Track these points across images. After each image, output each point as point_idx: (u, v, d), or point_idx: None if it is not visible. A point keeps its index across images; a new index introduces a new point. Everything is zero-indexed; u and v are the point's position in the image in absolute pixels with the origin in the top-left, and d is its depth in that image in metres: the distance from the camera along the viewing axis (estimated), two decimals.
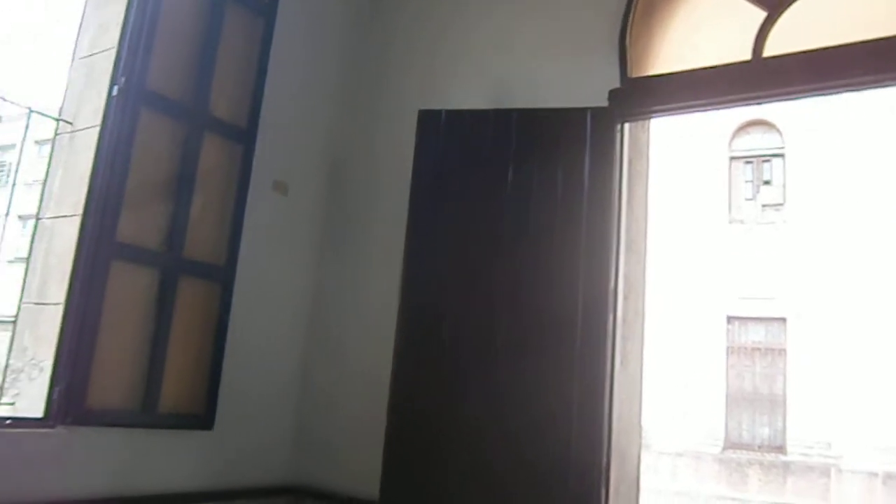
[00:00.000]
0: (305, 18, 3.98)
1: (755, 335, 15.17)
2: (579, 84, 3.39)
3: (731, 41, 3.15)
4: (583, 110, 3.19)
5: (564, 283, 3.06)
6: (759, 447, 14.59)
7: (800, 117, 14.91)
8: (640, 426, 3.39)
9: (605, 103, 3.27)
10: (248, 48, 3.59)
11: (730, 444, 14.79)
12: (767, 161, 15.79)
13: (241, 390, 3.46)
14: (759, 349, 15.09)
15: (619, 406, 3.11)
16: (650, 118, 3.41)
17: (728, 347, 15.23)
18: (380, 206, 3.89)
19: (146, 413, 3.05)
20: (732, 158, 16.07)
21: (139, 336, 3.08)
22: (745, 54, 3.07)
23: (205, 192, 3.33)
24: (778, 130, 15.55)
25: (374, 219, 3.90)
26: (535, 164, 3.21)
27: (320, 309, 3.96)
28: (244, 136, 3.52)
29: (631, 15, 3.32)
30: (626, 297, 3.22)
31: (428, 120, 3.42)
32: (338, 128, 4.15)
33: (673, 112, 3.33)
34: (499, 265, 3.20)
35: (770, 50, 3.03)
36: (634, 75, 3.32)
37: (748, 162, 16.09)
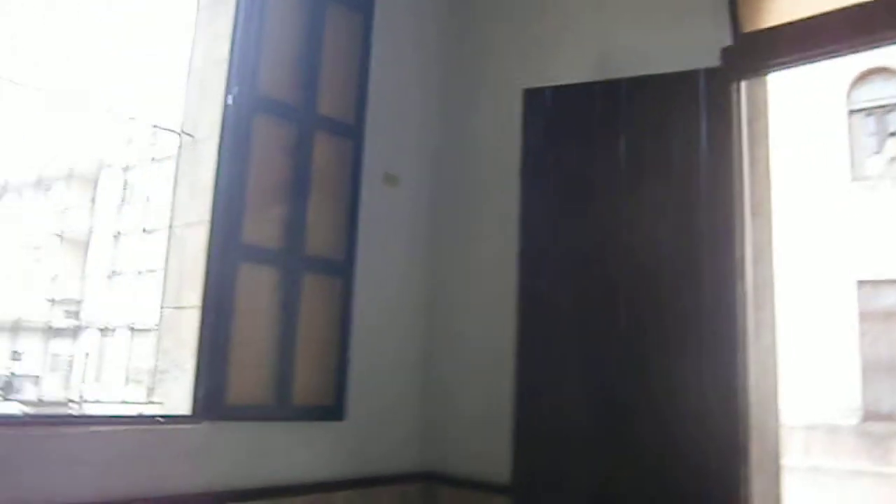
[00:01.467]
0: (402, 10, 4.01)
1: (889, 298, 14.18)
2: (688, 46, 3.24)
3: None
4: (695, 72, 3.05)
5: (687, 253, 2.95)
6: None
7: None
8: (777, 400, 3.23)
9: (717, 63, 3.12)
10: (350, 45, 3.65)
11: (868, 416, 13.92)
12: (892, 111, 14.68)
13: (368, 381, 3.55)
14: (895, 313, 14.10)
15: (754, 379, 2.97)
16: (768, 73, 3.22)
17: (861, 313, 14.31)
18: (490, 189, 3.87)
19: (281, 407, 3.18)
20: (851, 112, 15.04)
21: (269, 333, 3.21)
22: None
23: (320, 189, 3.42)
24: None
25: (485, 203, 3.90)
26: (648, 133, 3.11)
27: (438, 295, 4.00)
28: (353, 131, 3.59)
29: None
30: (754, 264, 3.07)
31: (533, 99, 3.37)
32: (443, 115, 4.17)
33: (793, 64, 3.12)
34: (616, 241, 3.13)
35: None
36: (747, 30, 3.14)
37: (870, 114, 15.01)
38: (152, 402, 3.15)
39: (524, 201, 3.29)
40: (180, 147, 3.39)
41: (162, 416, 2.93)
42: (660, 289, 3.00)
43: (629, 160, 3.12)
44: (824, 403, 13.96)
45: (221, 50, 3.34)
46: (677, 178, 3.02)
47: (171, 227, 3.34)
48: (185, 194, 3.38)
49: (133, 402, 3.12)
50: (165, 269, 3.27)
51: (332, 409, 3.38)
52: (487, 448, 3.51)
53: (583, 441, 3.06)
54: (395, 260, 3.87)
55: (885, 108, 14.80)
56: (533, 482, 3.14)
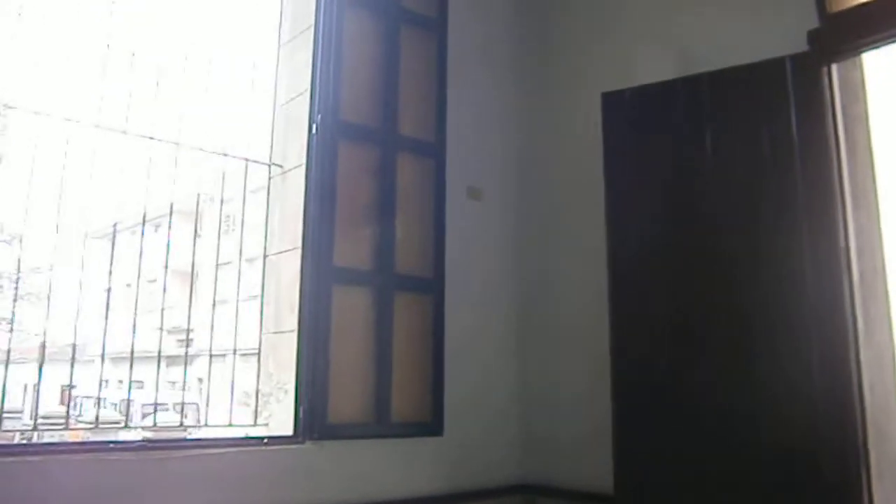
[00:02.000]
0: (474, 24, 4.05)
1: None
2: (772, 33, 3.12)
3: None
4: (780, 60, 2.93)
5: (785, 247, 2.82)
6: None
7: None
8: None
9: (805, 48, 2.98)
10: (426, 64, 3.72)
11: None
12: None
13: (464, 395, 3.57)
14: None
15: (869, 376, 2.79)
16: (860, 54, 3.05)
17: None
18: (574, 196, 3.83)
19: (380, 424, 3.24)
20: None
21: (366, 352, 3.28)
22: None
23: (405, 208, 3.49)
24: None
25: (570, 210, 3.86)
26: (735, 127, 3.00)
27: (529, 307, 3.98)
28: (434, 149, 3.64)
29: None
30: (860, 255, 2.89)
31: (612, 102, 3.32)
32: (522, 124, 4.17)
33: (887, 41, 2.95)
34: (708, 241, 3.03)
35: None
36: (834, 10, 2.99)
37: None
38: (258, 425, 3.28)
39: (610, 206, 3.24)
40: (270, 177, 3.53)
41: (266, 438, 3.05)
42: (761, 290, 2.87)
43: (717, 158, 3.02)
44: None
45: (303, 81, 3.46)
46: (770, 172, 2.89)
47: (265, 254, 3.48)
48: (277, 222, 3.52)
49: (240, 425, 3.24)
50: (262, 296, 3.40)
51: (430, 425, 3.42)
52: (588, 458, 3.45)
53: (688, 451, 2.97)
54: (483, 273, 3.88)
55: None
56: (638, 491, 3.07)
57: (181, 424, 3.22)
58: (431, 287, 3.50)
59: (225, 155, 3.36)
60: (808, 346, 2.73)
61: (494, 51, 4.21)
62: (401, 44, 3.63)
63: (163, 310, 3.97)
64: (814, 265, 2.75)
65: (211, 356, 3.21)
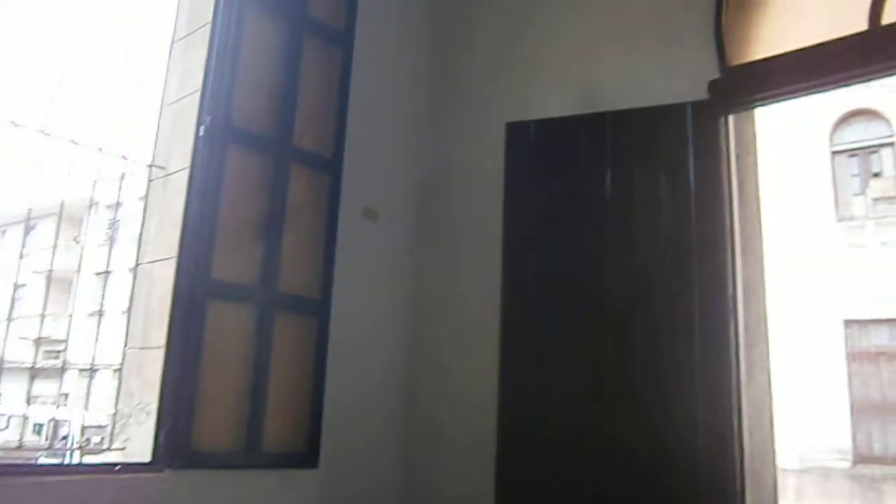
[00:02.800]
0: (383, 41, 3.94)
1: (878, 339, 14.13)
2: (674, 79, 3.18)
3: (841, 14, 2.87)
4: (682, 105, 2.98)
5: (677, 291, 2.83)
6: (895, 460, 13.49)
7: None
8: (773, 444, 3.08)
9: (704, 96, 3.04)
10: (329, 76, 3.57)
11: (860, 458, 13.75)
12: (875, 152, 14.82)
13: (345, 425, 3.37)
14: (884, 353, 14.03)
15: (748, 422, 2.83)
16: (756, 107, 3.15)
17: (848, 353, 14.23)
18: (472, 224, 3.76)
19: (250, 453, 3.00)
20: (835, 153, 15.17)
21: (240, 374, 3.05)
22: (861, 24, 2.78)
23: (296, 224, 3.30)
24: (884, 118, 14.58)
25: (467, 237, 3.78)
26: (635, 167, 3.02)
27: (421, 333, 3.85)
28: (330, 165, 3.48)
29: None
30: (746, 302, 2.95)
31: (516, 132, 3.29)
32: (424, 148, 4.08)
33: (781, 98, 3.06)
34: (603, 276, 3.01)
35: (889, 17, 2.74)
36: (734, 63, 3.08)
37: (853, 155, 15.15)
38: (113, 449, 2.97)
39: (507, 235, 3.18)
40: (150, 180, 3.26)
41: (119, 464, 2.75)
42: (650, 325, 2.87)
43: (615, 194, 3.02)
44: (816, 446, 13.79)
45: (195, 80, 3.24)
46: (666, 213, 2.92)
47: (137, 262, 3.19)
48: (154, 229, 3.25)
49: (93, 450, 2.93)
50: (130, 308, 3.11)
51: (305, 456, 3.20)
52: (473, 494, 3.32)
53: (570, 481, 2.90)
54: (374, 297, 3.72)
55: (868, 150, 14.94)
56: None
57: (19, 446, 2.86)
58: (317, 308, 3.31)
59: (100, 150, 3.07)
60: (694, 392, 2.73)
61: (401, 71, 4.11)
62: (304, 53, 3.47)
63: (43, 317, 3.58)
64: (703, 310, 2.77)
65: (83, 370, 2.89)
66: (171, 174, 3.24)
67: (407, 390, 3.80)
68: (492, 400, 3.12)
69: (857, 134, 15.05)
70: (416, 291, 3.90)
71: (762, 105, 3.12)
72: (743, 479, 2.69)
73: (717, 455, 2.68)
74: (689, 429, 2.72)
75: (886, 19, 2.75)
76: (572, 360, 3.00)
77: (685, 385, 2.75)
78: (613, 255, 2.99)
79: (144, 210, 3.27)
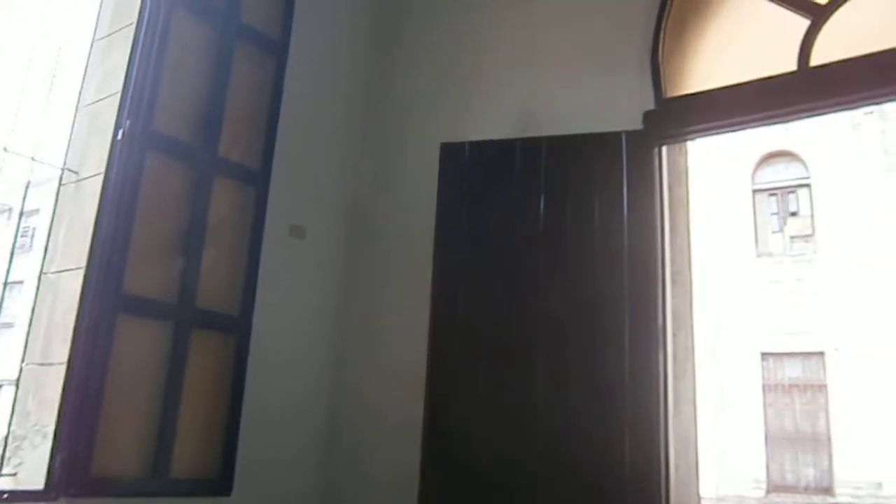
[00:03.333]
0: (318, 55, 3.83)
1: (792, 371, 14.65)
2: (610, 108, 3.19)
3: (773, 53, 2.94)
4: (617, 134, 2.98)
5: (608, 321, 2.80)
6: (806, 489, 13.94)
7: (824, 146, 14.65)
8: (697, 475, 3.08)
9: (639, 126, 3.06)
10: (260, 87, 3.45)
11: (773, 487, 14.15)
12: (793, 192, 15.48)
13: (261, 451, 3.20)
14: (797, 385, 14.55)
15: (675, 455, 2.81)
16: (689, 139, 3.19)
17: (764, 385, 14.70)
18: (403, 246, 3.66)
19: (157, 480, 2.81)
20: (756, 191, 15.77)
21: (149, 395, 2.86)
22: (790, 65, 2.85)
23: (217, 238, 3.14)
24: (802, 161, 15.27)
25: (398, 260, 3.68)
26: (569, 194, 2.99)
27: (346, 357, 3.71)
28: (257, 178, 3.34)
29: (662, 31, 3.13)
30: (674, 333, 2.95)
31: (451, 153, 3.23)
32: (356, 166, 3.97)
33: (713, 131, 3.10)
34: (533, 302, 2.96)
35: (816, 59, 2.81)
36: (669, 95, 3.11)
37: (772, 194, 15.79)
38: (3, 475, 2.72)
39: (438, 258, 3.10)
40: (60, 184, 3.05)
41: (7, 492, 2.51)
42: (579, 353, 2.83)
43: (549, 221, 2.99)
44: (732, 475, 14.12)
45: (116, 82, 3.06)
46: (599, 241, 2.90)
47: (42, 271, 2.97)
48: (62, 236, 3.04)
49: None
50: (31, 320, 2.88)
51: (216, 483, 3.02)
52: None
53: None
54: (298, 316, 3.57)
55: (787, 189, 15.59)
56: None
57: None
58: (236, 326, 3.15)
59: (5, 150, 2.86)
60: (622, 424, 2.69)
61: (337, 86, 4.00)
62: (235, 60, 3.34)
63: None
64: (633, 339, 2.75)
65: None
66: (83, 179, 3.04)
67: (330, 413, 3.65)
68: (417, 427, 3.01)
69: (777, 174, 15.69)
70: (342, 312, 3.77)
71: (695, 137, 3.16)
72: None
73: (644, 486, 2.64)
74: (617, 460, 2.68)
75: (814, 61, 2.81)
76: (500, 390, 2.93)
77: (614, 417, 2.71)
78: (545, 282, 2.95)
79: (52, 216, 3.06)
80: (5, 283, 3.49)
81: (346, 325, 3.76)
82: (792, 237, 15.32)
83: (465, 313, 3.05)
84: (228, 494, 3.04)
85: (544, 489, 2.73)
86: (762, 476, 14.19)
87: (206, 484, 3.00)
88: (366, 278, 3.78)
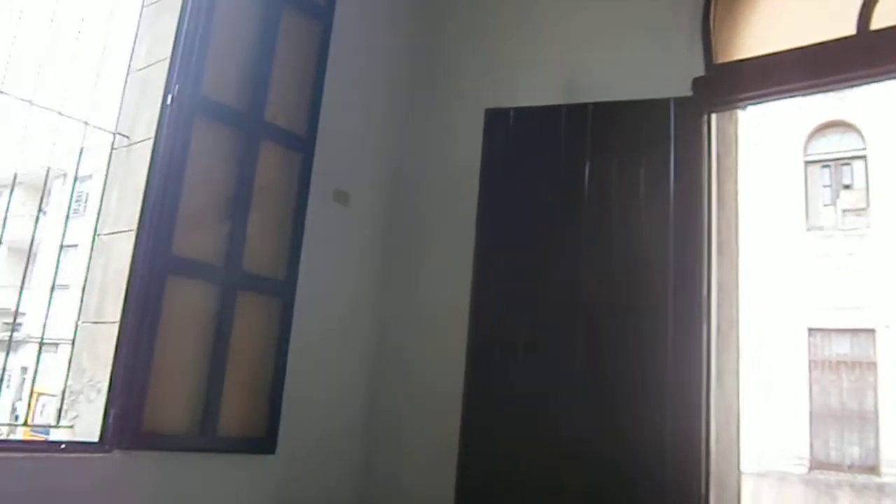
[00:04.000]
0: (364, 21, 3.82)
1: (840, 348, 14.31)
2: (659, 74, 3.11)
3: (831, 16, 2.83)
4: (665, 101, 2.92)
5: (652, 291, 2.78)
6: (850, 467, 13.70)
7: (883, 116, 14.11)
8: (738, 449, 3.05)
9: (689, 93, 2.98)
10: (305, 53, 3.45)
11: (817, 465, 13.94)
12: (847, 164, 14.98)
13: (304, 411, 3.28)
14: (845, 362, 14.23)
15: (716, 427, 2.79)
16: (739, 107, 3.10)
17: (811, 361, 14.41)
18: (446, 212, 3.67)
19: (204, 436, 2.89)
20: (808, 163, 15.30)
21: (196, 355, 2.93)
22: (849, 28, 2.74)
23: (263, 202, 3.19)
24: (858, 131, 14.74)
25: (441, 226, 3.69)
26: (615, 161, 2.95)
27: (386, 322, 3.76)
28: (303, 144, 3.37)
29: None
30: (719, 305, 2.91)
31: (495, 119, 3.20)
32: (400, 132, 3.97)
33: (766, 98, 3.01)
34: (578, 273, 2.94)
35: (878, 22, 2.70)
36: (720, 61, 3.03)
37: (825, 166, 15.29)
38: (61, 426, 2.84)
39: (481, 225, 3.10)
40: (113, 148, 3.12)
41: (65, 443, 2.62)
42: (623, 323, 2.81)
43: (594, 188, 2.95)
44: (775, 450, 13.96)
45: (164, 49, 3.10)
46: (645, 209, 2.86)
47: (96, 233, 3.06)
48: (115, 200, 3.11)
49: (38, 425, 2.80)
50: (85, 281, 2.97)
51: (261, 441, 3.10)
52: (433, 487, 3.24)
53: (533, 483, 2.84)
54: (341, 282, 3.62)
55: (840, 161, 15.09)
56: None
57: None
58: (281, 290, 3.20)
59: (59, 114, 2.92)
60: (663, 395, 2.68)
61: (380, 53, 3.99)
62: (281, 26, 3.35)
63: None
64: (677, 311, 2.72)
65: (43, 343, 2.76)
66: (134, 143, 3.10)
67: (371, 378, 3.71)
68: (457, 395, 3.04)
69: (831, 145, 15.19)
70: (384, 278, 3.81)
71: (745, 105, 3.07)
72: (708, 482, 2.65)
73: (684, 458, 2.63)
74: (657, 430, 2.67)
75: (875, 24, 2.71)
76: (541, 357, 2.93)
77: (655, 385, 2.70)
78: (587, 250, 2.93)
79: (105, 180, 3.13)
80: (62, 246, 3.59)
81: (388, 290, 3.80)
82: (844, 210, 14.87)
83: (507, 279, 3.05)
84: (272, 452, 3.13)
85: (585, 459, 2.74)
86: (805, 453, 13.98)
87: (251, 442, 3.08)
88: (408, 244, 3.80)
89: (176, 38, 3.05)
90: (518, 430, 2.92)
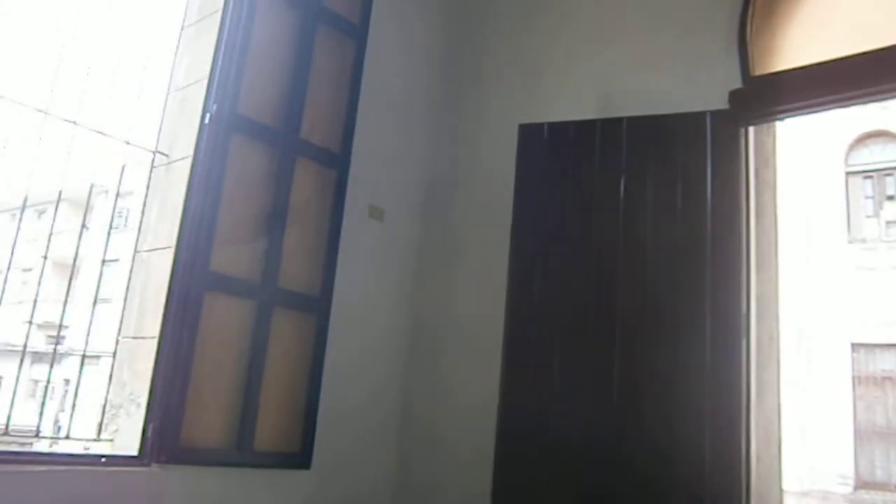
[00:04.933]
0: (397, 38, 3.86)
1: (885, 363, 13.94)
2: (695, 87, 3.09)
3: (869, 27, 2.78)
4: (701, 114, 2.89)
5: (689, 305, 2.74)
6: None
7: None
8: (780, 467, 2.99)
9: (725, 106, 2.95)
10: (340, 71, 3.49)
11: (861, 483, 13.55)
12: (890, 175, 14.64)
13: (339, 427, 3.29)
14: (890, 378, 13.85)
15: (756, 444, 2.73)
16: (778, 120, 3.06)
17: (854, 377, 14.04)
18: (480, 228, 3.67)
19: (241, 451, 2.91)
20: (849, 174, 14.99)
21: (234, 370, 2.96)
22: (889, 39, 2.69)
23: (299, 219, 3.22)
24: None
25: (475, 240, 3.69)
26: (651, 175, 2.92)
27: (421, 338, 3.76)
28: (338, 160, 3.40)
29: (751, 6, 3.00)
30: (759, 320, 2.86)
31: (529, 135, 3.20)
32: (434, 148, 3.99)
33: (806, 110, 2.96)
34: (614, 287, 2.91)
35: None
36: (757, 72, 2.99)
37: (867, 177, 14.97)
38: (101, 440, 2.89)
39: (515, 241, 3.09)
40: (153, 166, 3.19)
41: (105, 456, 2.67)
42: (660, 340, 2.78)
43: (629, 203, 2.93)
44: (818, 469, 13.61)
45: (203, 68, 3.16)
46: (681, 224, 2.82)
47: (136, 250, 3.12)
48: (154, 216, 3.18)
49: (79, 439, 2.86)
50: (126, 296, 3.03)
51: (297, 457, 3.12)
52: (467, 501, 3.23)
53: (571, 493, 2.80)
54: (376, 298, 3.64)
55: (883, 171, 14.76)
56: None
57: (5, 432, 2.76)
58: (317, 306, 3.22)
59: (101, 133, 3.00)
60: (702, 413, 2.64)
61: (414, 69, 4.03)
62: (316, 44, 3.39)
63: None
64: (715, 327, 2.67)
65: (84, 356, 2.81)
66: (174, 162, 3.17)
67: (404, 394, 3.71)
68: (491, 408, 3.02)
69: (873, 156, 14.87)
70: (418, 294, 3.82)
71: (784, 117, 3.02)
72: (749, 501, 2.60)
73: (724, 476, 2.58)
74: (697, 448, 2.62)
75: None
76: (577, 372, 2.91)
77: (694, 403, 2.66)
78: (624, 266, 2.90)
79: (145, 197, 3.20)
80: (104, 261, 3.67)
81: (422, 305, 3.80)
82: (888, 222, 14.52)
83: (541, 295, 3.04)
84: (308, 468, 3.14)
85: (621, 473, 2.70)
86: (849, 471, 13.60)
87: (286, 457, 3.09)
88: (442, 260, 3.81)
89: (214, 57, 3.11)
90: (553, 444, 2.89)
